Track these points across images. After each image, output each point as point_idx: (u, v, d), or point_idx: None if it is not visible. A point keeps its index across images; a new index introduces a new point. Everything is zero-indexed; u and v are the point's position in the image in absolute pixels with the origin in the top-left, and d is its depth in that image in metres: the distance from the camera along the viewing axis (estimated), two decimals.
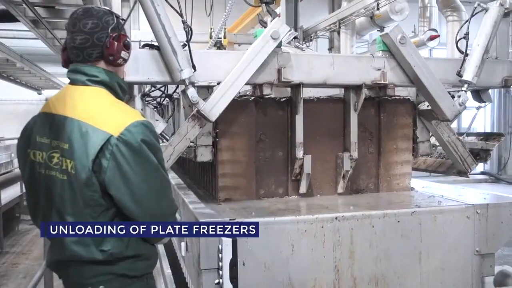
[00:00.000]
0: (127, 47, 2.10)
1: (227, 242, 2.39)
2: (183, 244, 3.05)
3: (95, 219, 1.96)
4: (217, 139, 3.04)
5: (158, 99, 4.10)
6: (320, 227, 2.61)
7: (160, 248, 4.13)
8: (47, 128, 2.04)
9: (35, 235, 9.54)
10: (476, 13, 3.16)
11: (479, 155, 3.53)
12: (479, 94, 3.48)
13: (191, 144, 3.17)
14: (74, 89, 2.06)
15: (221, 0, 7.03)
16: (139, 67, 2.71)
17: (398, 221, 2.75)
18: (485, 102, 3.49)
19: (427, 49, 11.48)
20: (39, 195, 2.08)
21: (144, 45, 2.87)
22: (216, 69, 2.84)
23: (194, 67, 2.73)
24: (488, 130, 17.79)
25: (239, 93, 3.01)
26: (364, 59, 3.11)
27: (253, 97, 3.11)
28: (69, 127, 1.95)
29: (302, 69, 2.97)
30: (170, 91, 3.34)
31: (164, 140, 3.23)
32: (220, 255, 2.42)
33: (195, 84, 2.75)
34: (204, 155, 3.00)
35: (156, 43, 2.77)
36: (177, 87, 3.38)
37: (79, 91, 2.04)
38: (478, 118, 17.98)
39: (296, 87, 3.02)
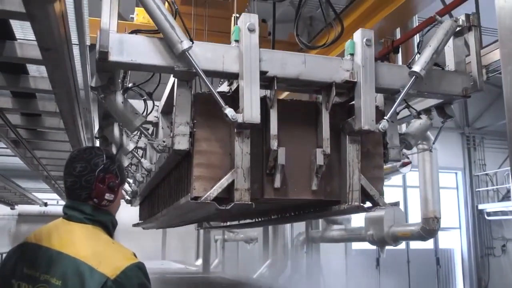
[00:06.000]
0: (111, 189, 2.11)
1: None
2: None
3: None
4: (194, 130, 2.97)
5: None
6: None
7: None
8: (37, 261, 1.97)
9: None
10: (433, 25, 3.51)
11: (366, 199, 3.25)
12: (443, 109, 3.54)
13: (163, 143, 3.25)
14: (70, 225, 2.05)
15: None
16: (123, 49, 2.74)
17: None
18: (450, 116, 3.62)
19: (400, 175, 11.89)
20: None
21: (132, 32, 3.08)
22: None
23: (191, 40, 2.76)
24: (466, 252, 17.85)
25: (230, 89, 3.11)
26: (334, 60, 3.15)
27: (229, 93, 3.12)
28: (64, 264, 1.91)
29: (276, 63, 2.98)
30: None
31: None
32: None
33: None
34: (182, 143, 2.91)
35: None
36: (157, 86, 3.55)
37: (76, 228, 2.04)
38: (456, 240, 18.07)
39: (270, 82, 3.00)
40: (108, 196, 2.11)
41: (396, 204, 3.30)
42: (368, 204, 3.30)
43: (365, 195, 3.21)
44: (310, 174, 3.17)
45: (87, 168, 2.09)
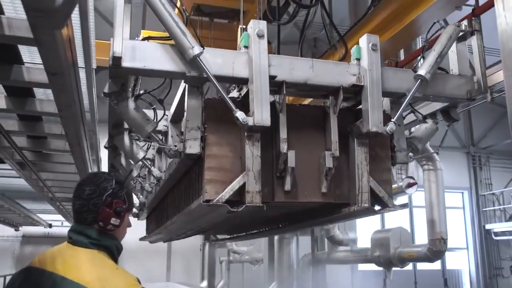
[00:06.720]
0: (118, 214, 2.16)
1: None
2: None
3: None
4: (205, 134, 3.04)
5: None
6: None
7: None
8: (41, 285, 2.00)
9: None
10: (436, 31, 3.51)
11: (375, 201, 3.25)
12: (448, 112, 3.61)
13: (175, 147, 3.31)
14: (74, 250, 2.09)
15: None
16: (135, 55, 2.84)
17: None
18: (455, 120, 3.62)
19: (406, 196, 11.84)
20: None
21: (144, 39, 3.17)
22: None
23: (202, 45, 2.85)
24: (474, 273, 17.68)
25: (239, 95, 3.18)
26: (341, 65, 3.22)
27: (239, 98, 3.18)
28: None
29: (285, 68, 3.06)
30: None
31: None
32: None
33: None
34: (193, 148, 2.97)
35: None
36: (168, 93, 3.63)
37: (80, 252, 2.07)
38: (463, 260, 17.94)
39: (279, 86, 3.07)
40: (114, 220, 2.15)
41: (405, 206, 3.33)
42: (377, 207, 3.32)
43: (374, 197, 3.25)
44: (320, 177, 3.22)
45: (96, 191, 2.14)
